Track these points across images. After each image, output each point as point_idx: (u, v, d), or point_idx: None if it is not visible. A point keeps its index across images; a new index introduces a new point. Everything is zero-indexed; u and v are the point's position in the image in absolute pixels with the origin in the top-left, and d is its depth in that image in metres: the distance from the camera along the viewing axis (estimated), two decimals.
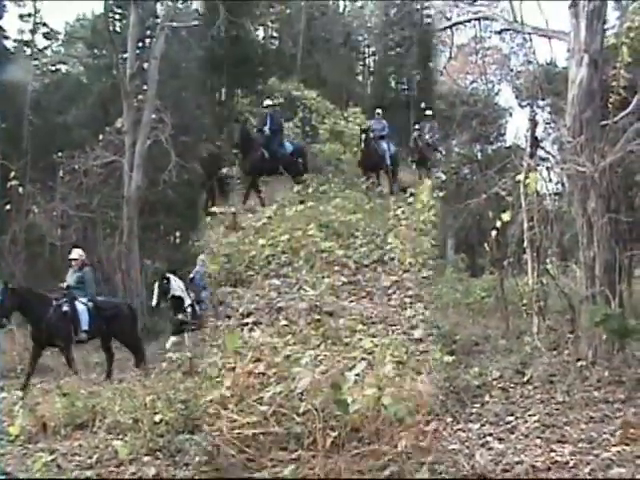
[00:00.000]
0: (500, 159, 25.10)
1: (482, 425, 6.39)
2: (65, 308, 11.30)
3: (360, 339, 4.77)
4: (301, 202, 11.50)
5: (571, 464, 4.88)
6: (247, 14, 26.79)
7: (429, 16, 51.59)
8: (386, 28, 51.65)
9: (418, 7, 51.00)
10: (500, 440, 5.78)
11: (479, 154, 43.65)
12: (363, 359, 4.17)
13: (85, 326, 11.38)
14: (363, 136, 17.59)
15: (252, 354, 3.92)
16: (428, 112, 21.39)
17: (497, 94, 41.67)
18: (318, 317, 5.68)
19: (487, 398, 7.39)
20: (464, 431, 6.21)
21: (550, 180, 14.17)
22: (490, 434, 6.02)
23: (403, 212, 9.11)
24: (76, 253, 12.58)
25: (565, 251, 13.41)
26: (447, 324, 11.66)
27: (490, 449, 5.53)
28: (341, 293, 6.82)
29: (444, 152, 44.21)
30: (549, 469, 4.82)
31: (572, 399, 6.84)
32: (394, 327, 5.52)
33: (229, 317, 5.83)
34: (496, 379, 8.27)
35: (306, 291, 6.52)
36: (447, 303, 17.20)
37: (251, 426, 3.08)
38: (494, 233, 10.55)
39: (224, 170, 15.39)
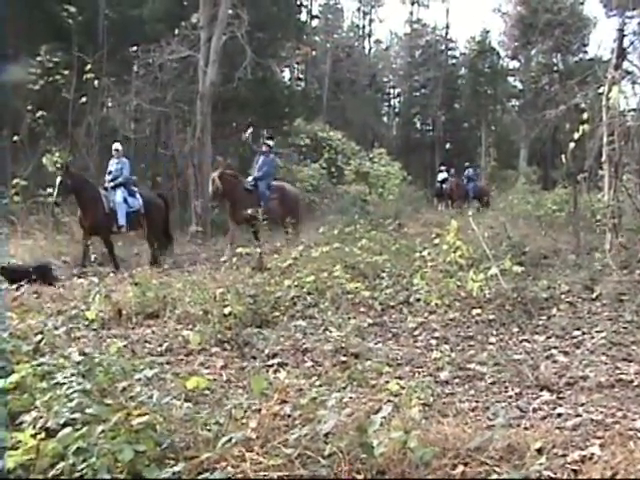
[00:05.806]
0: (582, 71, 24.35)
1: (548, 337, 6.43)
2: None
3: (386, 381, 4.77)
4: (327, 243, 11.43)
5: (636, 383, 4.89)
6: (273, 56, 26.49)
7: (454, 57, 50.09)
8: (411, 69, 50.54)
9: (443, 48, 49.60)
10: (565, 354, 5.81)
11: (560, 64, 42.27)
12: (389, 401, 4.19)
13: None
14: (58, 180, 12.48)
15: (277, 396, 3.96)
16: (268, 142, 16.15)
17: (582, 3, 40.08)
18: (344, 359, 5.71)
19: (554, 311, 7.42)
20: (529, 342, 6.26)
21: (634, 94, 13.68)
22: (555, 347, 6.06)
23: (429, 253, 9.09)
24: None
25: None
26: (517, 235, 11.62)
27: (555, 362, 5.56)
28: (367, 335, 6.86)
29: (523, 60, 42.79)
30: (613, 386, 4.82)
31: None
32: (420, 369, 5.52)
33: (254, 358, 5.89)
34: (564, 293, 8.27)
35: (332, 332, 6.56)
36: (518, 214, 17.10)
37: (276, 468, 3.12)
38: (572, 145, 10.32)
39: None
